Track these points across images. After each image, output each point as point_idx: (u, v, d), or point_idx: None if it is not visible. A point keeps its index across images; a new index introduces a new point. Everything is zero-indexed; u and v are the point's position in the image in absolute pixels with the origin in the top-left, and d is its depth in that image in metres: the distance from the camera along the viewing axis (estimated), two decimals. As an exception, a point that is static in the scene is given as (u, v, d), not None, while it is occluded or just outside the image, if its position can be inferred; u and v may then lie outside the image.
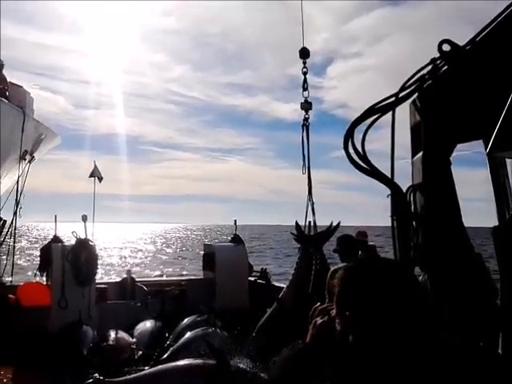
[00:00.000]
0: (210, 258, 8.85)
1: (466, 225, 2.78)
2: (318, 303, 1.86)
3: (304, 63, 6.55)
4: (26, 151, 11.65)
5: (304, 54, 6.53)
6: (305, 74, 6.58)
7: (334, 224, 6.69)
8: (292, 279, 6.57)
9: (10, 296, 7.32)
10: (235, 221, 9.38)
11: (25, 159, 11.78)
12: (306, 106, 6.63)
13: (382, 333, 1.32)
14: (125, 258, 41.39)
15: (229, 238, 9.44)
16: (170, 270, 29.47)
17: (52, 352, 6.14)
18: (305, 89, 6.63)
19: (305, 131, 6.73)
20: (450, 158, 2.78)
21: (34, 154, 12.51)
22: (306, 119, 6.67)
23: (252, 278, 9.17)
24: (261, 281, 9.09)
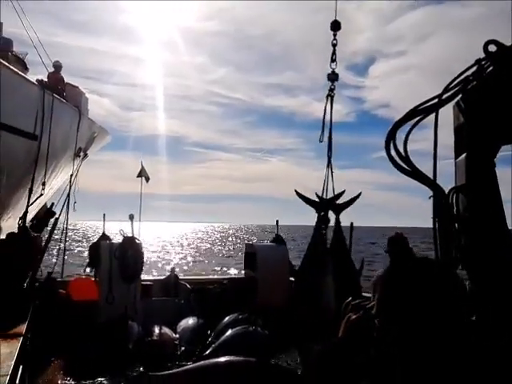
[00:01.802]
0: (251, 257, 8.95)
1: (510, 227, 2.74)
2: (350, 298, 1.90)
3: (334, 35, 6.79)
4: (80, 148, 12.16)
5: (335, 26, 6.77)
6: (334, 45, 6.83)
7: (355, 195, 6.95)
8: (308, 247, 6.66)
9: (61, 291, 7.64)
10: (277, 221, 9.45)
11: (79, 156, 12.29)
12: (333, 76, 6.96)
13: (418, 333, 1.35)
14: (167, 253, 42.19)
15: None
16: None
17: (98, 346, 6.38)
18: (333, 60, 6.88)
19: (329, 101, 6.96)
20: (494, 160, 2.76)
21: (87, 152, 13.04)
22: (331, 90, 6.96)
23: (293, 278, 9.20)
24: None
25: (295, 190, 6.87)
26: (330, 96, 6.89)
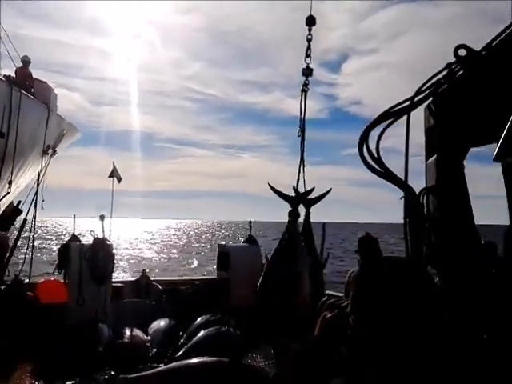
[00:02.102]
0: (224, 257, 8.92)
1: (478, 222, 2.82)
2: (326, 297, 1.92)
3: (309, 30, 6.85)
4: (48, 146, 11.85)
5: (310, 21, 6.83)
6: (309, 40, 6.90)
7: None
8: (281, 239, 6.74)
9: (29, 293, 7.46)
10: (250, 222, 9.45)
11: (47, 153, 11.99)
12: (307, 71, 7.09)
13: (391, 331, 1.37)
14: (139, 250, 41.84)
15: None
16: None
17: (68, 348, 6.26)
18: (308, 55, 6.95)
19: (303, 96, 7.11)
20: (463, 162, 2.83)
21: (56, 149, 12.72)
22: (305, 85, 7.10)
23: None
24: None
25: (269, 184, 6.94)
26: (304, 91, 7.02)
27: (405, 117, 3.02)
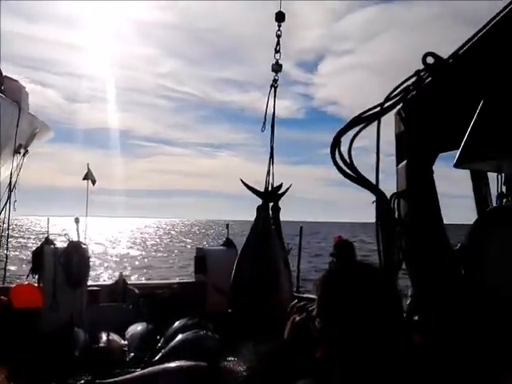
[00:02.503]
0: (201, 261, 8.91)
1: (448, 222, 2.89)
2: (296, 300, 1.94)
3: (279, 26, 6.88)
4: (20, 145, 11.64)
5: (280, 17, 6.84)
6: (278, 36, 6.93)
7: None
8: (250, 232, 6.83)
9: (2, 297, 7.34)
10: (227, 225, 9.46)
11: (19, 153, 11.77)
12: (276, 67, 7.16)
13: (357, 336, 1.40)
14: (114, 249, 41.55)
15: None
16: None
17: (43, 354, 6.18)
18: (277, 51, 6.98)
19: (272, 92, 7.11)
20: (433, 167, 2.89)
21: (28, 148, 12.50)
22: (275, 81, 7.20)
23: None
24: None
25: (241, 180, 7.01)
26: (274, 87, 7.05)
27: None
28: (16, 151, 11.55)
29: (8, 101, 11.03)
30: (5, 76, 11.84)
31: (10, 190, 11.28)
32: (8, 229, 11.81)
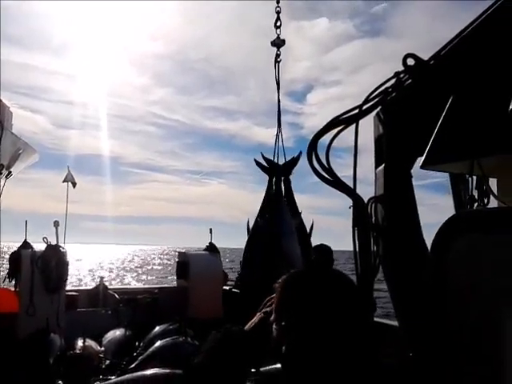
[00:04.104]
0: (183, 266, 8.77)
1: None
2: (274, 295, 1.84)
3: (278, 2, 7.39)
4: (2, 165, 11.36)
5: None
6: (278, 13, 7.40)
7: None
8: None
9: (-23, 303, 7.15)
10: (210, 229, 9.31)
11: (1, 174, 11.50)
12: (279, 41, 7.55)
13: (313, 343, 1.31)
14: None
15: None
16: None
17: (17, 361, 6.00)
18: (277, 27, 7.45)
19: (277, 68, 7.60)
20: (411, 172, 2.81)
21: (12, 170, 12.21)
22: (277, 55, 7.60)
23: (227, 287, 9.12)
24: (236, 290, 9.03)
25: (255, 160, 7.32)
26: (277, 62, 7.38)
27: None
28: None
29: None
30: None
31: None
32: None
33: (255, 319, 1.77)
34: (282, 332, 1.39)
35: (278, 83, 7.44)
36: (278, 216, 7.12)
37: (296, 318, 1.35)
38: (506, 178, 1.96)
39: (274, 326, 1.45)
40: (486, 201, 2.16)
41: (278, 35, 7.43)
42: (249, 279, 6.61)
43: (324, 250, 6.67)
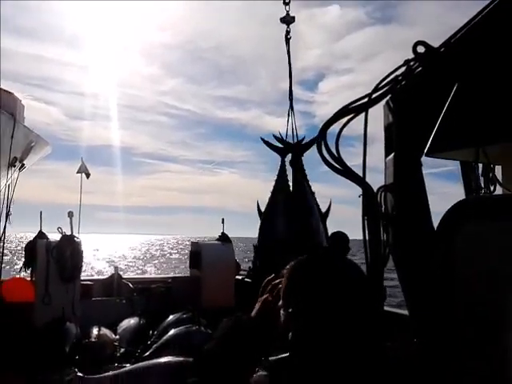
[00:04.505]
0: (196, 256, 8.84)
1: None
2: (273, 275, 1.85)
3: None
4: (15, 158, 11.49)
5: None
6: None
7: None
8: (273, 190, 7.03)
9: (-7, 292, 7.28)
10: (223, 219, 9.35)
11: (14, 166, 11.64)
12: (289, 18, 7.60)
13: (320, 330, 1.32)
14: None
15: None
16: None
17: (34, 349, 6.12)
18: (287, 3, 7.45)
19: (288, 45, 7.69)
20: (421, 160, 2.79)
21: (25, 162, 12.36)
22: (288, 32, 7.67)
23: (239, 277, 9.17)
24: (248, 279, 9.08)
25: (261, 138, 7.36)
26: (287, 38, 7.53)
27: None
28: (11, 164, 11.42)
29: (3, 113, 10.94)
30: (0, 88, 11.74)
31: (8, 204, 11.12)
32: (3, 241, 11.68)
33: (259, 305, 1.79)
34: (289, 318, 1.40)
35: (289, 61, 7.51)
36: (301, 193, 7.08)
37: (303, 305, 1.36)
38: (511, 166, 1.94)
39: (281, 312, 1.46)
40: (492, 188, 2.14)
41: (288, 12, 7.41)
42: (265, 263, 6.60)
43: (340, 237, 6.66)
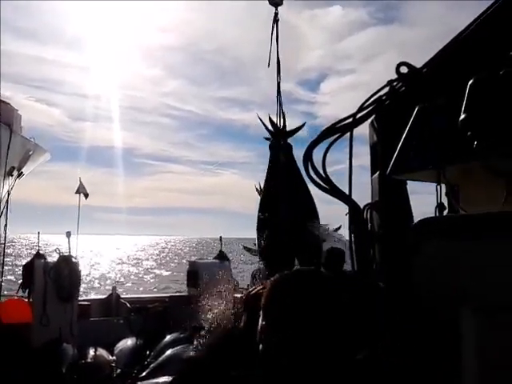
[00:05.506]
0: (193, 274, 8.85)
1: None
2: (253, 287, 1.89)
3: None
4: (12, 167, 11.67)
5: None
6: None
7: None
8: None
9: (-9, 313, 7.28)
10: (220, 237, 9.41)
11: (12, 175, 11.78)
12: (277, 0, 7.48)
13: (297, 343, 1.36)
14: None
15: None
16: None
17: (32, 370, 6.11)
18: None
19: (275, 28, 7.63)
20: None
21: (23, 170, 12.53)
22: (276, 15, 7.59)
23: (238, 295, 9.17)
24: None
25: (257, 114, 7.35)
26: (276, 21, 7.39)
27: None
28: (8, 174, 11.57)
29: None
30: None
31: (1, 212, 11.23)
32: (4, 248, 11.77)
33: (245, 316, 1.83)
34: (265, 330, 1.44)
35: (277, 43, 7.49)
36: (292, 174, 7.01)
37: (278, 321, 1.40)
38: (467, 187, 1.99)
39: (259, 323, 1.50)
40: (457, 208, 2.19)
41: None
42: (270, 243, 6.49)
43: (336, 253, 6.70)
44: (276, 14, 7.49)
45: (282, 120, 7.21)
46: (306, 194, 6.77)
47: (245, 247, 7.26)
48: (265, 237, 6.28)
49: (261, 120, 7.19)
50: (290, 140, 7.30)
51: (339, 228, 6.79)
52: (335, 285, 1.60)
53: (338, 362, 1.40)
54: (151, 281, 33.67)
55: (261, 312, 1.55)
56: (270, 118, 7.39)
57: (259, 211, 6.72)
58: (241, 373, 1.55)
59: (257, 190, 7.30)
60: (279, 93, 7.41)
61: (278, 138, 7.05)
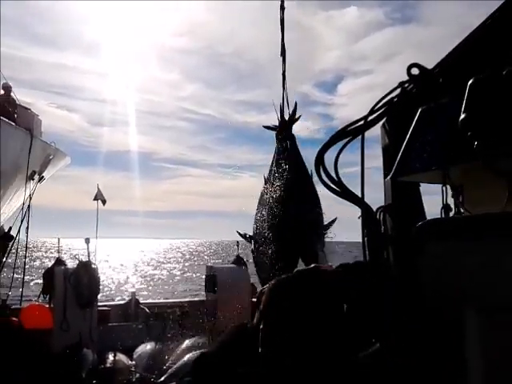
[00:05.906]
0: (211, 279, 8.87)
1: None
2: (266, 286, 1.90)
3: None
4: (33, 172, 11.89)
5: None
6: None
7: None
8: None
9: (13, 319, 7.42)
10: (237, 242, 9.41)
11: (33, 179, 12.01)
12: None
13: (297, 345, 1.36)
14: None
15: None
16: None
17: (52, 376, 6.20)
18: None
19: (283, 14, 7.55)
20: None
21: (44, 174, 12.76)
22: (283, 1, 7.69)
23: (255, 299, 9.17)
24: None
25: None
26: (282, 8, 7.53)
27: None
28: (30, 177, 11.79)
29: (20, 129, 11.34)
30: (18, 105, 12.21)
31: (23, 216, 11.45)
32: (26, 251, 12.03)
33: (257, 313, 1.84)
34: (262, 332, 1.45)
35: (282, 30, 7.51)
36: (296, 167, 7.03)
37: (276, 325, 1.41)
38: (470, 187, 1.96)
39: (260, 326, 1.51)
40: (462, 209, 2.16)
41: None
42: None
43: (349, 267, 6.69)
44: (283, 1, 7.56)
45: (287, 107, 7.31)
46: (310, 187, 6.80)
47: (239, 233, 7.28)
48: (267, 232, 6.33)
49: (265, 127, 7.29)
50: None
51: (334, 221, 6.80)
52: (342, 282, 1.59)
53: (342, 362, 1.39)
54: (173, 285, 33.84)
55: (259, 315, 1.56)
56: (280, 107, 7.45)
57: (259, 202, 6.80)
58: (247, 370, 1.56)
59: (265, 179, 7.38)
60: (284, 77, 7.47)
61: (282, 129, 7.19)
